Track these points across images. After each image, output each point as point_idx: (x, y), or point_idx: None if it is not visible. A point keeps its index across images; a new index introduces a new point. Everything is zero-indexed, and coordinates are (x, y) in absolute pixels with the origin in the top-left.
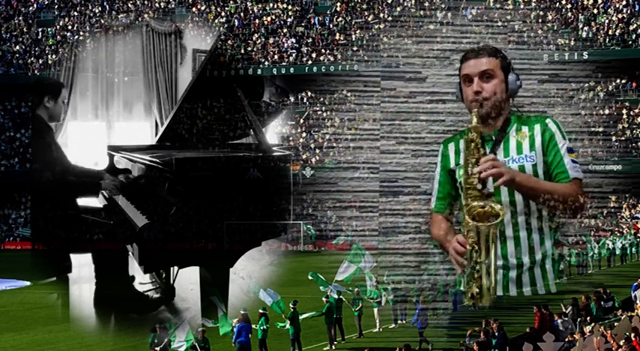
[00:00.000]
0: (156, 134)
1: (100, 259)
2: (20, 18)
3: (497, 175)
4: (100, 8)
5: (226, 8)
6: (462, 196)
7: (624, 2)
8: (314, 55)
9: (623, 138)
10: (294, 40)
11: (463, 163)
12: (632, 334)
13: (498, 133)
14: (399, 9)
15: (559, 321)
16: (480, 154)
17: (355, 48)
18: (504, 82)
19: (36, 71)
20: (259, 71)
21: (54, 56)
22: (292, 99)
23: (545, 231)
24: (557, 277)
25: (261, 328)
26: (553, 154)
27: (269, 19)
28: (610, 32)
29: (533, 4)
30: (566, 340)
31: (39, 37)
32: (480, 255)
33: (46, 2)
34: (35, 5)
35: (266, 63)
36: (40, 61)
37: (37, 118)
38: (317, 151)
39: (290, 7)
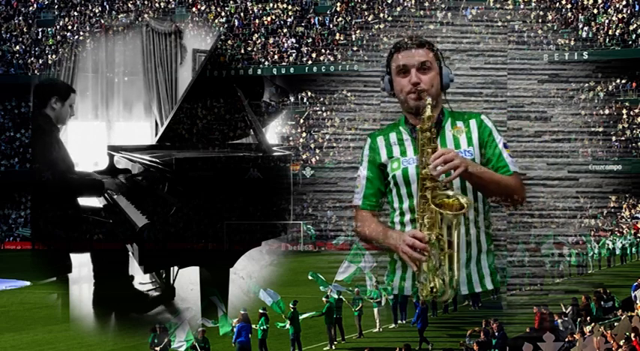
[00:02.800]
0: (156, 134)
1: (99, 259)
2: (20, 18)
3: (455, 167)
4: (100, 8)
5: (226, 8)
6: (393, 192)
7: (624, 2)
8: (314, 55)
9: (623, 138)
10: (294, 40)
11: (419, 155)
12: (632, 334)
13: (434, 127)
14: (399, 9)
15: (559, 321)
16: (435, 144)
17: (355, 48)
18: (439, 74)
19: (36, 71)
20: (259, 71)
21: (54, 56)
22: (292, 99)
23: (481, 225)
24: (494, 274)
25: (261, 328)
26: (492, 149)
27: (269, 19)
28: (610, 32)
29: (533, 4)
30: (566, 340)
31: (39, 37)
32: (444, 245)
33: (46, 2)
34: (35, 5)
35: (266, 63)
36: (40, 61)
37: (42, 115)
38: (317, 151)
39: (290, 7)
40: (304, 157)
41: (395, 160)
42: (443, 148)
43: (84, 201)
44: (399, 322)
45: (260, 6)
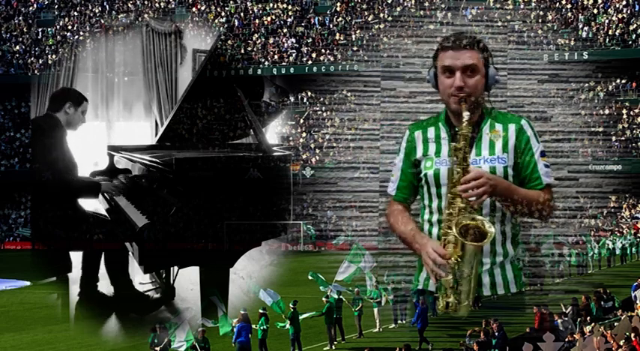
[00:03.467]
0: (156, 134)
1: (92, 260)
2: (20, 18)
3: (483, 194)
4: (100, 8)
5: (226, 8)
6: (425, 189)
7: (624, 2)
8: (314, 55)
9: (623, 138)
10: (294, 40)
11: (449, 172)
12: (632, 334)
13: (472, 129)
14: (399, 9)
15: (559, 321)
16: (467, 164)
17: (355, 48)
18: (485, 76)
19: (36, 71)
20: (259, 71)
21: (54, 56)
22: (292, 99)
23: (507, 233)
24: (518, 277)
25: (261, 328)
26: (528, 159)
27: (269, 19)
28: (610, 32)
29: (533, 4)
30: (566, 340)
31: (39, 37)
32: (462, 269)
33: (46, 2)
34: (35, 5)
35: (266, 63)
36: (40, 61)
37: (52, 118)
38: (317, 151)
39: (290, 7)
40: (304, 157)
41: (429, 159)
42: (478, 155)
43: (84, 201)
44: (399, 322)
45: (260, 6)
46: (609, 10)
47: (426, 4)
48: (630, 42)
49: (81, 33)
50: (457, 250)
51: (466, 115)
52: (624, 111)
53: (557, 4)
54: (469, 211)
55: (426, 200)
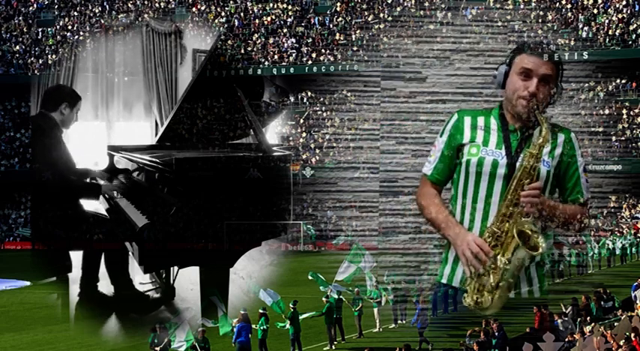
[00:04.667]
0: (156, 134)
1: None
2: (20, 18)
3: (535, 205)
4: (100, 8)
5: (226, 8)
6: (462, 176)
7: (624, 2)
8: (314, 55)
9: (623, 138)
10: (294, 40)
11: (515, 181)
12: (632, 334)
13: (526, 131)
14: (399, 9)
15: (559, 321)
16: (533, 176)
17: (355, 48)
18: (553, 89)
19: (36, 71)
20: (259, 71)
21: (54, 56)
22: (292, 99)
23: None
24: (542, 281)
25: (261, 328)
26: (573, 170)
27: (269, 19)
28: (610, 32)
29: (533, 4)
30: (566, 340)
31: (39, 37)
32: (507, 272)
33: (46, 2)
34: (35, 5)
35: (266, 63)
36: (40, 61)
37: (48, 118)
38: (317, 151)
39: (290, 7)
40: (304, 157)
41: (475, 146)
42: (536, 185)
43: (85, 201)
44: (399, 322)
45: (260, 6)
46: (609, 10)
47: (426, 4)
48: (630, 42)
49: (81, 33)
50: (508, 252)
51: (546, 127)
52: (624, 111)
53: (557, 4)
54: (530, 221)
55: (461, 188)
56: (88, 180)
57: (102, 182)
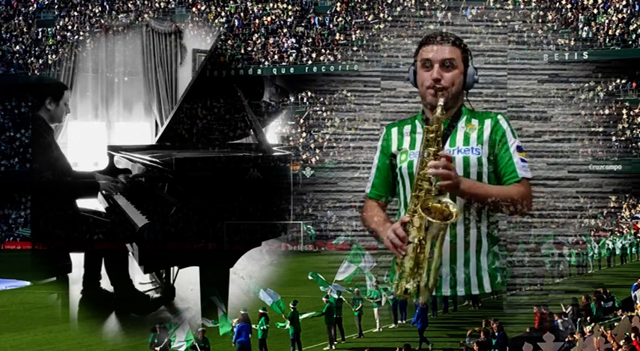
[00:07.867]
0: (156, 134)
1: (94, 259)
2: (20, 18)
3: (444, 177)
4: (100, 8)
5: (226, 8)
6: (400, 184)
7: (624, 2)
8: (314, 55)
9: (623, 138)
10: (294, 40)
11: (420, 154)
12: (632, 334)
13: (448, 125)
14: (399, 9)
15: (559, 321)
16: (438, 148)
17: (355, 48)
18: (463, 73)
19: (36, 71)
20: (259, 71)
21: (54, 56)
22: (292, 99)
23: (483, 232)
24: (494, 277)
25: (261, 328)
26: (503, 152)
27: (269, 19)
28: (610, 32)
29: (533, 4)
30: (566, 340)
31: (39, 37)
32: (424, 250)
33: (46, 2)
34: (35, 5)
35: (266, 63)
36: (40, 61)
37: (37, 118)
38: (317, 151)
39: (290, 7)
40: (304, 157)
41: (403, 152)
42: (452, 146)
43: (84, 201)
44: (399, 322)
45: (260, 6)
46: (609, 10)
47: (426, 4)
48: (630, 42)
49: (81, 33)
50: (421, 232)
51: (441, 100)
52: (624, 111)
53: (557, 4)
54: (435, 194)
55: (402, 196)
56: (84, 180)
57: (102, 181)
